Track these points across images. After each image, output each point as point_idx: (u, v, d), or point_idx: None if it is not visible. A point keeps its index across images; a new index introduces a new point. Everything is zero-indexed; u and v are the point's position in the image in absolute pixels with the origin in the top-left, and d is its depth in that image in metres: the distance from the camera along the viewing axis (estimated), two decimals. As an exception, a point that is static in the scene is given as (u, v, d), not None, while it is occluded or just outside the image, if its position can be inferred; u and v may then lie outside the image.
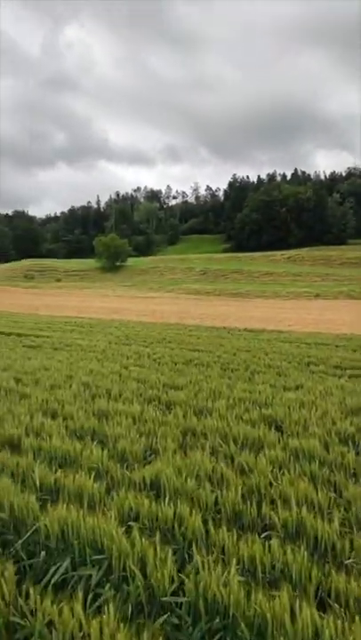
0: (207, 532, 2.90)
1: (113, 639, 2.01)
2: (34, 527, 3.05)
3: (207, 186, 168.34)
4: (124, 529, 2.87)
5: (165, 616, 2.29)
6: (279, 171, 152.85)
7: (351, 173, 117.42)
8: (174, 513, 3.03)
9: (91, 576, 2.56)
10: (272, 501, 3.38)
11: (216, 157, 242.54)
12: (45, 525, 2.95)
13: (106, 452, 4.30)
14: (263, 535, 2.98)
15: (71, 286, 69.13)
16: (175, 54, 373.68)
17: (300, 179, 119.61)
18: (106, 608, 2.15)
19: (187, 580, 2.37)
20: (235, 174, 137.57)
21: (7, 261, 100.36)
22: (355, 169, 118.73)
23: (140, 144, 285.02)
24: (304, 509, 3.09)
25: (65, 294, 55.04)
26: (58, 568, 2.63)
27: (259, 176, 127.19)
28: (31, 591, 2.34)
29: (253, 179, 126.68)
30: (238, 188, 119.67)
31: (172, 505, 3.10)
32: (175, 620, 2.32)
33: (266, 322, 21.59)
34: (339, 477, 3.80)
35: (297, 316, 25.71)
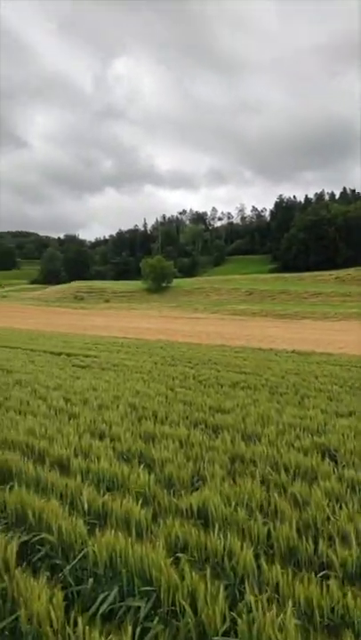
0: (259, 567, 2.76)
1: None
2: (82, 552, 3.03)
3: (253, 206, 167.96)
4: (171, 559, 2.78)
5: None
6: (327, 190, 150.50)
7: None
8: (224, 545, 2.91)
9: (139, 608, 2.49)
10: (330, 538, 3.18)
11: (261, 178, 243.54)
12: (94, 551, 2.92)
13: (153, 476, 4.24)
14: (320, 575, 2.79)
15: (118, 307, 70.58)
16: (219, 79, 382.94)
17: (349, 197, 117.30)
18: (155, 644, 2.07)
19: (240, 621, 2.25)
20: (281, 194, 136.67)
21: (58, 283, 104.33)
22: None
23: (185, 168, 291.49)
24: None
25: (112, 315, 56.24)
26: (106, 597, 2.58)
27: (306, 195, 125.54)
28: (79, 620, 2.29)
29: (300, 198, 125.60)
30: (285, 208, 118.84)
31: (221, 536, 2.99)
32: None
33: (315, 344, 20.98)
34: None
35: (347, 338, 24.83)
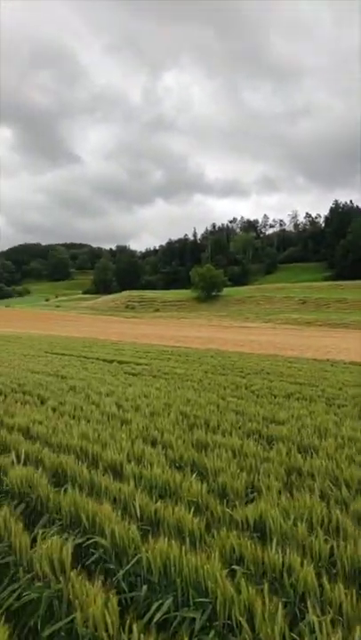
0: (321, 586, 2.61)
1: None
2: (135, 558, 3.01)
3: (306, 213, 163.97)
4: (227, 572, 2.70)
5: None
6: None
7: None
8: (283, 561, 2.79)
9: (194, 619, 2.42)
10: None
11: (314, 184, 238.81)
12: (147, 558, 2.89)
13: (205, 485, 4.16)
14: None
15: (168, 316, 71.24)
16: (269, 85, 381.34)
17: None
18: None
19: (301, 642, 2.12)
20: (336, 200, 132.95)
21: (110, 293, 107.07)
22: None
23: (234, 176, 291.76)
24: None
25: (162, 324, 56.81)
26: (160, 605, 2.53)
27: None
28: (134, 627, 2.26)
29: (358, 203, 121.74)
30: (341, 214, 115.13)
31: (279, 551, 2.86)
32: None
33: (373, 355, 20.08)
34: None
35: None
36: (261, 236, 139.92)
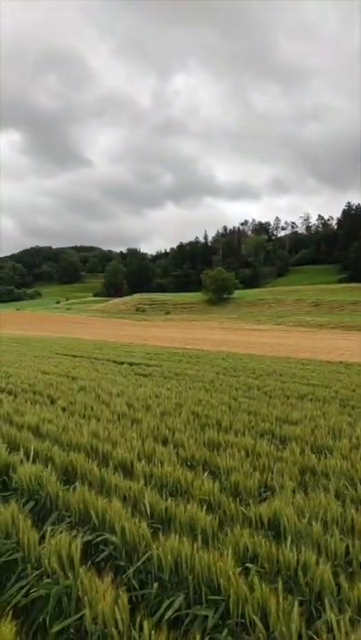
0: (338, 585, 2.52)
1: None
2: (146, 555, 2.94)
3: (318, 215, 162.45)
4: (240, 570, 2.62)
5: None
6: None
7: None
8: (297, 559, 2.70)
9: (206, 617, 2.34)
10: None
11: (326, 186, 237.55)
12: (158, 555, 2.82)
13: (217, 484, 4.09)
14: None
15: (179, 319, 71.22)
16: (278, 87, 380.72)
17: None
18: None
19: (318, 641, 2.04)
20: (349, 202, 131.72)
21: (120, 296, 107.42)
22: None
23: (245, 178, 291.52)
24: None
25: (173, 326, 56.80)
26: (172, 603, 2.46)
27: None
28: (145, 624, 2.19)
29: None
30: (354, 216, 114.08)
31: (294, 549, 2.77)
32: None
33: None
34: None
35: None
36: (273, 238, 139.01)
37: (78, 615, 2.48)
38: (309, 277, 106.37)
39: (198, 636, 2.04)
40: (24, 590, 2.83)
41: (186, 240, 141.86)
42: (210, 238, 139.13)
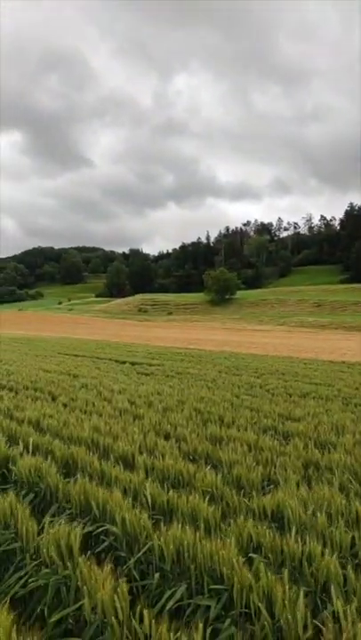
0: (343, 576, 2.45)
1: None
2: (147, 546, 2.88)
3: (321, 215, 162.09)
4: (244, 559, 2.55)
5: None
6: None
7: None
8: (302, 550, 2.63)
9: (209, 607, 2.28)
10: None
11: (328, 186, 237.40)
12: (160, 546, 2.76)
13: (220, 476, 4.03)
14: None
15: (182, 319, 71.15)
16: (280, 88, 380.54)
17: None
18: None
19: (325, 630, 1.96)
20: (352, 202, 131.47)
21: (123, 296, 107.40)
22: None
23: (247, 179, 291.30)
24: None
25: (175, 327, 56.74)
26: (173, 593, 2.40)
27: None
28: (145, 614, 2.13)
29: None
30: (356, 216, 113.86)
31: (299, 540, 2.71)
32: None
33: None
34: None
35: None
36: (276, 239, 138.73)
37: (77, 605, 2.41)
38: (312, 278, 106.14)
39: (200, 626, 1.97)
40: (22, 581, 2.77)
41: (188, 240, 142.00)
42: (212, 239, 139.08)
